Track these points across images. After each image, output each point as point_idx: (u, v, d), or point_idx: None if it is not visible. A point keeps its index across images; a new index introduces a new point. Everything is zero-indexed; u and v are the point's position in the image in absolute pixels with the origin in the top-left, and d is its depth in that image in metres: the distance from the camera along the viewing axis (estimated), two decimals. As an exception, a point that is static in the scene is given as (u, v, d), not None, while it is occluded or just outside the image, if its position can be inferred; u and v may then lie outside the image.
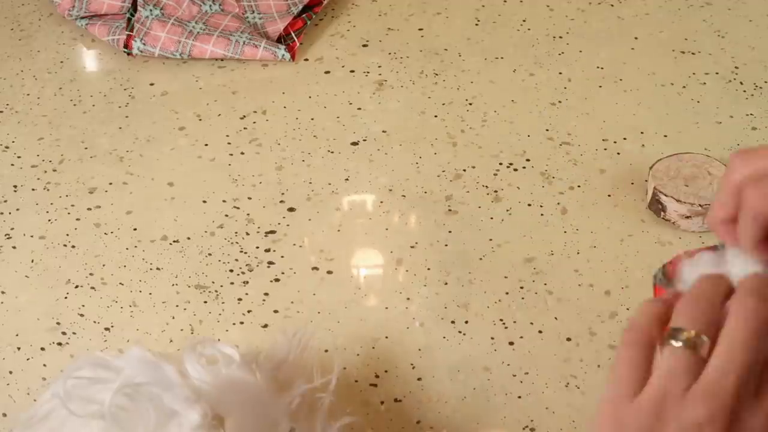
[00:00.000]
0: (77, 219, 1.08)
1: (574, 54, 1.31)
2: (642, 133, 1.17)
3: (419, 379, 0.90)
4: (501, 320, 0.95)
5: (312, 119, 1.21)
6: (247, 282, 1.00)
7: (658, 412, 0.43)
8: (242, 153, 1.16)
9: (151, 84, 1.28)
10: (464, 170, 1.13)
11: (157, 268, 1.02)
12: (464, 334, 0.94)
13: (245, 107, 1.24)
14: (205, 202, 1.10)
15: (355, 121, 1.21)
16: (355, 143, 1.17)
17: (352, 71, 1.29)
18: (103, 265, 1.02)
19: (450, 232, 1.05)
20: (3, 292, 1.00)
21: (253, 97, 1.25)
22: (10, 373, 0.92)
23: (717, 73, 1.26)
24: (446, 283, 0.99)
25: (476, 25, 1.37)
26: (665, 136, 1.17)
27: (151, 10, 1.32)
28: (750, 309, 0.44)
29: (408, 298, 0.98)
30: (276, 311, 0.97)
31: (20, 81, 1.30)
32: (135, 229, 1.07)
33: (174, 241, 1.05)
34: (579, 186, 1.10)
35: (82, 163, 1.16)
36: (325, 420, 0.74)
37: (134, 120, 1.22)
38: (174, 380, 0.70)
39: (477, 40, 1.34)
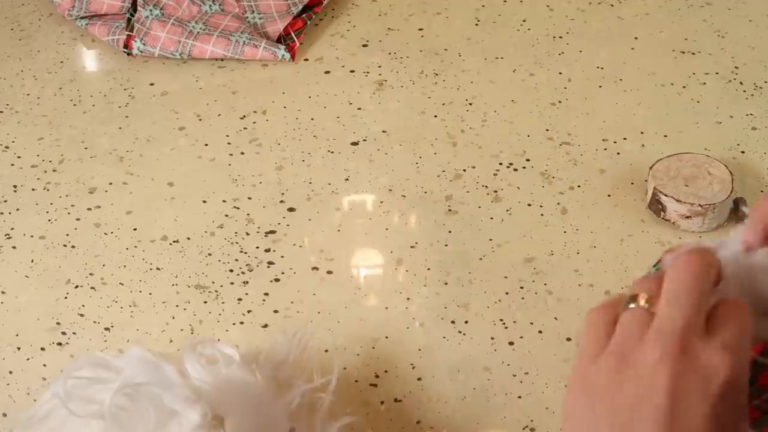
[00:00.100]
0: (77, 219, 1.08)
1: (574, 54, 1.31)
2: (642, 133, 1.17)
3: (419, 379, 0.90)
4: (501, 320, 0.95)
5: (312, 119, 1.21)
6: (247, 282, 1.00)
7: (617, 365, 0.46)
8: (242, 153, 1.17)
9: (151, 84, 1.28)
10: (464, 170, 1.13)
11: (157, 268, 1.02)
12: (464, 334, 0.94)
13: (245, 107, 1.24)
14: (205, 202, 1.10)
15: (355, 121, 1.21)
16: (355, 143, 1.17)
17: (352, 71, 1.29)
18: (103, 265, 1.02)
19: (450, 232, 1.05)
20: (3, 292, 1.00)
21: (253, 97, 1.25)
22: (10, 373, 0.92)
23: (717, 73, 1.26)
24: (446, 283, 0.99)
25: (476, 25, 1.37)
26: (665, 136, 1.17)
27: (151, 10, 1.32)
28: (687, 259, 0.47)
29: (408, 298, 0.98)
30: (276, 311, 0.97)
31: (20, 81, 1.30)
32: (135, 229, 1.07)
33: (174, 241, 1.05)
34: (579, 186, 1.10)
35: (82, 163, 1.16)
36: (325, 420, 0.74)
37: (134, 120, 1.23)
38: (174, 380, 0.70)
39: (477, 40, 1.34)
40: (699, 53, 1.30)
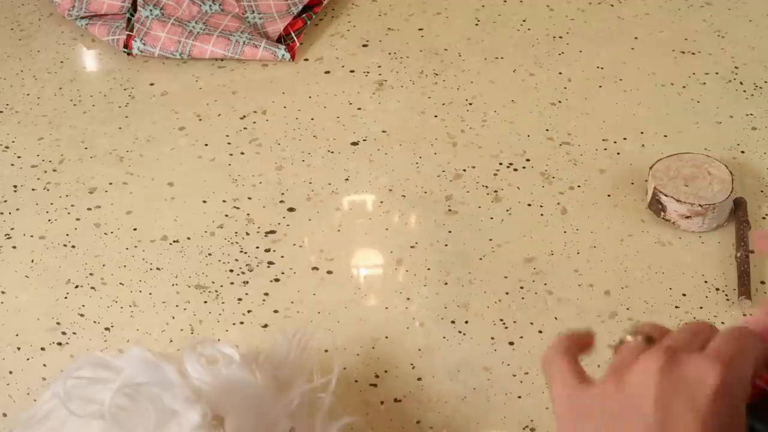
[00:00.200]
0: (77, 219, 1.08)
1: (574, 54, 1.31)
2: (642, 133, 1.17)
3: (419, 379, 0.90)
4: (501, 320, 0.95)
5: (312, 119, 1.21)
6: (247, 282, 1.00)
7: (615, 386, 0.45)
8: (242, 153, 1.16)
9: (151, 84, 1.28)
10: (464, 170, 1.13)
11: (157, 268, 1.02)
12: (464, 334, 0.94)
13: (245, 107, 1.24)
14: (205, 202, 1.10)
15: (355, 121, 1.21)
16: (355, 143, 1.17)
17: (352, 71, 1.29)
18: (103, 265, 1.02)
19: (450, 232, 1.05)
20: (3, 292, 1.00)
21: (253, 97, 1.25)
22: (10, 373, 0.92)
23: (717, 73, 1.26)
24: (446, 283, 0.99)
25: (476, 25, 1.37)
26: (665, 136, 1.17)
27: (151, 10, 1.32)
28: (691, 323, 0.49)
29: (408, 298, 0.98)
30: (276, 311, 0.97)
31: (20, 81, 1.30)
32: (135, 229, 1.07)
33: (174, 241, 1.05)
34: (579, 186, 1.10)
35: (82, 163, 1.16)
36: (325, 420, 0.74)
37: (134, 120, 1.23)
38: (174, 380, 0.70)
39: (477, 40, 1.34)
40: (699, 53, 1.30)
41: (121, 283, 1.00)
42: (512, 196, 1.09)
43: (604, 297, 0.97)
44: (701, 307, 0.95)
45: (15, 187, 1.13)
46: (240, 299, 0.98)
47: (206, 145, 1.18)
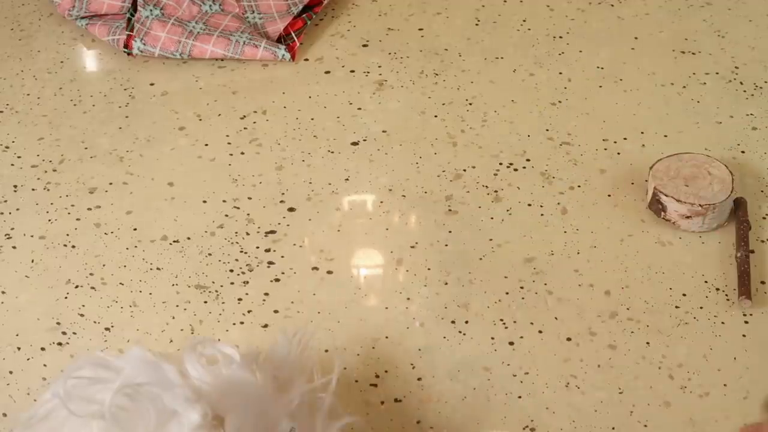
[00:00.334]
0: (77, 219, 1.08)
1: (574, 54, 1.31)
2: (642, 133, 1.17)
3: (419, 379, 0.90)
4: (501, 320, 0.95)
5: (312, 119, 1.21)
6: (247, 282, 1.00)
7: None
8: (242, 153, 1.17)
9: (151, 84, 1.28)
10: (464, 170, 1.13)
11: (157, 268, 1.02)
12: (464, 334, 0.94)
13: (245, 107, 1.24)
14: (205, 202, 1.10)
15: (355, 121, 1.21)
16: (355, 143, 1.17)
17: (352, 71, 1.29)
18: (103, 265, 1.02)
19: (450, 232, 1.05)
20: (3, 292, 1.00)
21: (253, 97, 1.25)
22: (10, 373, 0.92)
23: (717, 73, 1.26)
24: (446, 283, 0.99)
25: (476, 25, 1.37)
26: (665, 136, 1.17)
27: (151, 10, 1.32)
28: None
29: (408, 298, 0.98)
30: (276, 311, 0.97)
31: (20, 81, 1.30)
32: (135, 229, 1.07)
33: (174, 241, 1.05)
34: (579, 186, 1.10)
35: (82, 163, 1.16)
36: (326, 420, 0.74)
37: (134, 120, 1.23)
38: (174, 380, 0.70)
39: (477, 40, 1.34)
40: (699, 53, 1.30)
41: (121, 283, 1.00)
42: (512, 196, 1.09)
43: (605, 297, 0.97)
44: (701, 307, 0.96)
45: (15, 187, 1.13)
46: (240, 299, 0.98)
47: (206, 145, 1.18)
